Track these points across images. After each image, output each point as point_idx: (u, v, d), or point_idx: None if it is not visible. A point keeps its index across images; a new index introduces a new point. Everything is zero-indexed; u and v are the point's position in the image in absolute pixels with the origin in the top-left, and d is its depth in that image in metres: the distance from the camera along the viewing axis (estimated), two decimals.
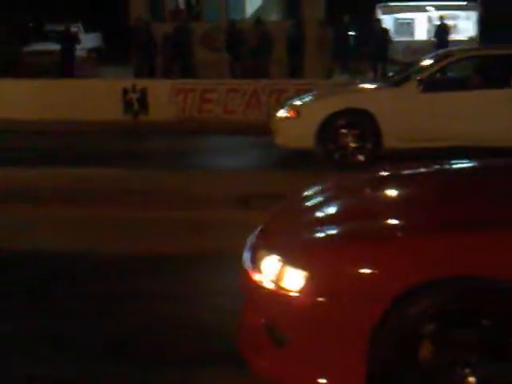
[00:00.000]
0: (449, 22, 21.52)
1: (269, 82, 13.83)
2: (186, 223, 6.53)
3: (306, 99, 9.79)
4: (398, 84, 9.18)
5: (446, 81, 9.40)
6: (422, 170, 4.54)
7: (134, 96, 13.70)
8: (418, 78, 8.97)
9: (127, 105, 13.78)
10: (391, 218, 3.38)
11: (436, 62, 9.35)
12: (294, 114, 9.28)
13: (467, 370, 2.95)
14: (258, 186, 7.96)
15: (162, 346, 4.09)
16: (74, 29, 21.03)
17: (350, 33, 19.51)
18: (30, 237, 6.22)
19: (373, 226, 3.29)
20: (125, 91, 13.73)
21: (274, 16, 21.43)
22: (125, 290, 4.95)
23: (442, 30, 20.28)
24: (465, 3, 23.31)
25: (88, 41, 23.95)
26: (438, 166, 4.56)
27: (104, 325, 4.41)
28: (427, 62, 9.62)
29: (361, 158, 9.00)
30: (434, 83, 8.99)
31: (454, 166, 4.54)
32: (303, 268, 3.08)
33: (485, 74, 9.44)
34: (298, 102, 9.60)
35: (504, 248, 2.95)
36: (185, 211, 7.08)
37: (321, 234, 3.34)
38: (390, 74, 10.48)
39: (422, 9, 23.26)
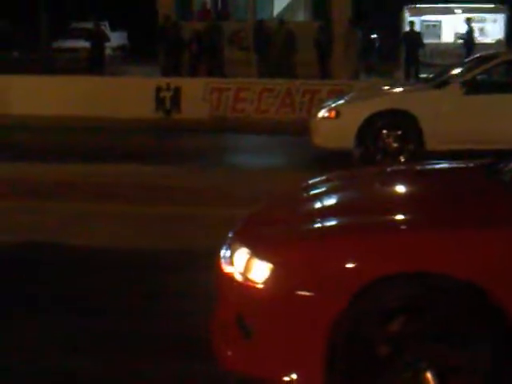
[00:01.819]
0: (476, 25, 21.40)
1: (302, 82, 13.84)
2: (214, 220, 6.53)
3: (346, 100, 9.78)
4: (440, 86, 9.15)
5: (489, 83, 9.35)
6: (419, 168, 4.77)
7: (167, 94, 13.74)
8: (462, 80, 8.94)
9: (159, 103, 13.82)
10: (360, 215, 3.45)
11: (479, 64, 9.32)
12: (335, 114, 9.27)
13: (424, 364, 3.02)
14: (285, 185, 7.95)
15: None
16: (101, 27, 21.08)
17: (374, 35, 19.38)
18: (68, 232, 6.29)
19: (339, 222, 3.40)
20: (158, 89, 13.77)
21: (301, 16, 21.47)
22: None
23: (468, 33, 20.20)
24: (492, 6, 23.16)
25: (114, 39, 24.01)
26: (434, 166, 4.77)
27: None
28: (470, 65, 9.59)
29: (402, 159, 8.96)
30: (477, 85, 8.95)
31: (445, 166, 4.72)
32: (268, 260, 3.15)
33: None
34: (338, 103, 9.59)
35: (462, 246, 3.02)
36: (211, 207, 7.12)
37: (288, 228, 3.47)
38: (431, 75, 10.39)
39: (449, 11, 23.14)
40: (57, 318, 4.47)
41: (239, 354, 3.26)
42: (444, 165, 4.87)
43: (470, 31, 20.19)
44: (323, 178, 4.47)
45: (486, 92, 9.01)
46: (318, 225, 3.41)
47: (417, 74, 17.78)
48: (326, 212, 3.70)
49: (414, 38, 18.41)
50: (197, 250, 5.65)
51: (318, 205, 3.87)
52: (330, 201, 4.00)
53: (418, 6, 23.09)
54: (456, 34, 21.82)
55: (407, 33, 19.00)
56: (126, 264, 5.51)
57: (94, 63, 18.13)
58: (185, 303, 4.64)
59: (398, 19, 22.88)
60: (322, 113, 9.46)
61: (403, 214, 3.48)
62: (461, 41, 20.83)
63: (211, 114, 13.65)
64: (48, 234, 6.20)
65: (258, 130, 12.73)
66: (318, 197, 3.99)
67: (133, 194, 7.78)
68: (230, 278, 3.32)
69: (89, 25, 20.34)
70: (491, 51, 11.63)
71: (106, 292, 4.91)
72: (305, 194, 4.18)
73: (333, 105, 9.55)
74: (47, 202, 7.34)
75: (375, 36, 19.32)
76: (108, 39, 19.22)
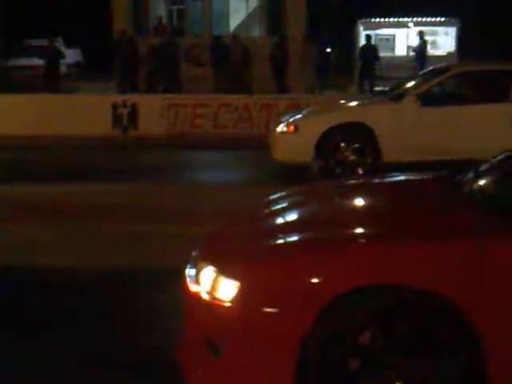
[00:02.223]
0: (428, 38, 21.77)
1: (260, 97, 13.87)
2: (175, 237, 6.49)
3: (304, 114, 9.83)
4: (396, 99, 9.27)
5: (444, 95, 9.50)
6: (378, 181, 4.86)
7: (124, 111, 13.64)
8: (417, 92, 9.07)
9: (116, 120, 13.71)
10: (323, 230, 3.48)
11: (433, 76, 9.47)
12: (293, 128, 9.32)
13: (394, 375, 3.04)
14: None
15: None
16: (55, 43, 20.87)
17: (328, 49, 19.54)
18: (27, 252, 6.18)
19: (303, 238, 3.41)
20: (114, 106, 13.67)
21: (256, 32, 21.59)
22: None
23: (420, 46, 20.49)
24: (443, 19, 23.62)
25: (68, 56, 23.78)
26: (393, 179, 4.82)
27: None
28: (424, 77, 9.74)
29: (360, 171, 9.04)
30: (431, 98, 9.09)
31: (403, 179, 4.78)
32: (235, 278, 3.15)
33: (482, 88, 9.58)
34: (296, 117, 9.64)
35: (426, 258, 3.06)
36: (171, 225, 7.06)
37: (253, 246, 3.48)
38: (386, 88, 10.53)
39: (402, 25, 23.53)
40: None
41: (209, 374, 3.23)
42: (403, 177, 4.91)
43: (423, 44, 20.50)
44: (284, 193, 4.48)
45: (440, 104, 9.15)
46: (283, 241, 3.42)
47: (372, 87, 17.97)
48: (289, 228, 3.70)
49: (371, 51, 18.60)
50: (158, 268, 5.60)
51: (280, 221, 3.89)
52: (292, 216, 4.01)
53: (372, 20, 23.43)
54: (410, 47, 22.16)
55: (363, 47, 19.21)
56: (82, 283, 5.43)
57: (50, 81, 17.91)
58: (146, 322, 4.59)
59: (353, 33, 23.17)
60: (281, 127, 9.50)
61: (366, 227, 3.50)
62: (413, 53, 21.13)
63: (169, 130, 13.59)
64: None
65: (216, 146, 12.73)
66: (280, 213, 4.00)
67: (91, 213, 7.69)
68: (196, 297, 3.29)
69: (43, 42, 20.10)
70: (444, 64, 11.81)
71: (64, 311, 4.83)
72: (266, 210, 4.18)
73: (291, 119, 9.59)
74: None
75: (330, 50, 19.43)
76: (63, 56, 18.99)
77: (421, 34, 20.70)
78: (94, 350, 4.24)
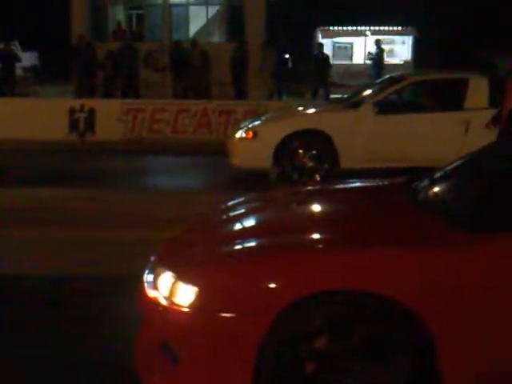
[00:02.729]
0: (385, 46, 22.08)
1: (218, 102, 13.87)
2: (132, 243, 6.45)
3: (263, 120, 9.88)
4: (353, 106, 9.38)
5: (400, 103, 9.64)
6: (335, 187, 4.90)
7: (81, 116, 13.52)
8: (374, 100, 9.20)
9: (73, 124, 13.57)
10: (280, 236, 3.50)
11: (390, 85, 9.61)
12: (252, 134, 9.36)
13: (349, 379, 3.09)
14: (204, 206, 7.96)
15: None
16: (11, 47, 20.59)
17: (287, 55, 19.64)
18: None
19: (260, 244, 3.44)
20: (71, 111, 13.53)
21: (216, 37, 21.62)
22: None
23: (377, 54, 20.73)
24: (400, 28, 23.96)
25: (25, 59, 23.50)
26: (349, 185, 4.91)
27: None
28: (381, 86, 9.87)
29: (318, 178, 9.12)
30: (388, 106, 9.22)
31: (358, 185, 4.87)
32: (193, 283, 3.17)
33: (437, 96, 9.75)
34: (255, 123, 9.68)
35: (380, 264, 3.11)
36: (128, 230, 7.02)
37: (211, 251, 3.50)
38: (344, 96, 10.64)
39: (360, 33, 23.80)
40: None
41: (166, 380, 3.22)
42: (360, 184, 4.97)
43: (380, 52, 20.75)
44: (241, 199, 4.51)
45: (396, 112, 9.29)
46: (240, 247, 3.44)
47: (327, 94, 18.08)
48: (247, 234, 3.73)
49: (323, 59, 18.75)
50: (115, 273, 5.57)
51: (238, 227, 3.91)
52: (250, 222, 4.03)
53: (329, 28, 23.66)
54: (368, 54, 22.40)
55: (316, 54, 19.35)
56: (45, 290, 5.36)
57: (5, 84, 17.66)
58: (106, 328, 4.56)
59: (311, 41, 23.36)
60: (240, 133, 9.53)
61: (323, 233, 3.54)
62: (370, 61, 21.35)
63: (126, 135, 13.51)
64: None
65: (174, 151, 12.69)
66: (238, 218, 4.02)
67: (48, 219, 7.59)
68: (154, 302, 3.28)
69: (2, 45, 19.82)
70: (400, 72, 11.99)
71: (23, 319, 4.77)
72: (224, 216, 4.20)
73: (250, 125, 9.63)
74: None
75: (287, 57, 19.52)
76: (19, 59, 18.76)
77: (378, 43, 20.97)
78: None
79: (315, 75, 18.61)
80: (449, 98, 9.59)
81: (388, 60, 22.35)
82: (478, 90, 9.21)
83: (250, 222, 4.03)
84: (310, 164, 9.20)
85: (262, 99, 16.56)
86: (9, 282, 5.51)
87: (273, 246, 3.36)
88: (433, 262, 3.10)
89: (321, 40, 22.77)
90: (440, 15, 26.88)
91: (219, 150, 10.60)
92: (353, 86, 17.83)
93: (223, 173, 10.23)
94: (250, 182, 9.42)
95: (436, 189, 3.99)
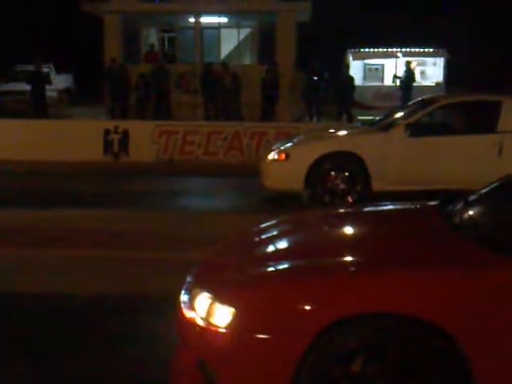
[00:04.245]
0: (417, 68, 22.00)
1: (250, 124, 13.98)
2: (167, 264, 6.51)
3: (295, 142, 9.93)
4: (385, 128, 9.39)
5: (432, 126, 9.62)
6: (368, 210, 4.85)
7: (115, 137, 13.71)
8: (406, 122, 9.20)
9: (107, 146, 13.77)
10: (315, 258, 3.52)
11: (422, 107, 9.60)
12: (284, 156, 9.41)
13: None
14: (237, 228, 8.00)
15: None
16: (45, 69, 20.95)
17: (315, 77, 19.68)
18: (13, 279, 6.16)
19: (296, 265, 3.46)
20: (106, 132, 13.73)
21: (247, 60, 21.81)
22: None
23: (406, 77, 20.52)
24: (432, 50, 23.92)
25: (59, 82, 23.89)
26: (382, 207, 4.88)
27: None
28: (413, 108, 9.87)
29: (350, 200, 9.13)
30: (420, 128, 9.21)
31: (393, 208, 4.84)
32: (230, 304, 3.20)
33: (470, 119, 9.72)
34: (287, 145, 9.74)
35: (417, 287, 3.11)
36: (162, 251, 7.11)
37: (247, 273, 3.51)
38: (377, 118, 10.65)
39: (391, 55, 23.80)
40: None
41: None
42: (393, 206, 4.98)
43: (409, 74, 20.53)
44: (274, 221, 4.54)
45: (428, 134, 9.26)
46: (276, 268, 3.46)
47: (349, 117, 18.02)
48: (281, 255, 3.76)
49: (348, 81, 18.72)
50: (151, 294, 5.63)
51: (272, 248, 3.94)
52: (284, 244, 4.07)
53: (360, 50, 23.70)
54: (394, 76, 22.24)
55: (341, 76, 19.29)
56: (80, 310, 5.43)
57: (36, 106, 17.93)
58: (144, 349, 4.60)
59: (342, 63, 23.40)
60: (272, 155, 9.58)
61: (358, 256, 3.56)
62: (397, 82, 21.11)
63: (159, 156, 13.67)
64: None
65: (206, 173, 12.80)
66: (272, 240, 4.05)
67: (83, 239, 7.70)
68: (191, 323, 3.32)
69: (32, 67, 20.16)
70: (431, 94, 11.97)
71: (54, 338, 4.83)
72: (257, 238, 4.23)
73: (282, 147, 9.68)
74: None
75: (316, 79, 19.54)
76: (49, 82, 18.98)
77: (407, 65, 20.82)
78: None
79: (339, 97, 18.56)
80: (482, 120, 9.55)
81: (420, 81, 22.27)
82: None
83: (284, 244, 4.07)
84: (342, 186, 9.20)
85: (291, 121, 16.63)
86: (36, 301, 5.58)
87: (309, 269, 3.38)
88: (468, 285, 3.11)
89: (352, 62, 22.77)
90: (471, 36, 26.82)
91: (250, 171, 10.67)
92: (382, 108, 17.84)
93: (255, 194, 10.29)
94: (282, 204, 9.47)
95: (472, 212, 3.99)
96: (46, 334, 4.93)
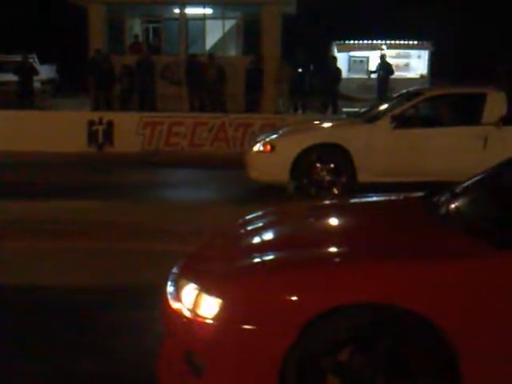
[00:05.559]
0: (402, 60, 22.04)
1: (236, 116, 13.95)
2: (151, 255, 6.51)
3: (280, 134, 9.92)
4: (371, 120, 9.40)
5: (417, 118, 9.64)
6: (353, 201, 4.91)
7: (100, 128, 13.63)
8: (391, 114, 9.22)
9: (92, 137, 13.69)
10: (301, 249, 3.53)
11: (407, 99, 9.62)
12: (270, 148, 9.39)
13: None
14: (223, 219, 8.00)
15: None
16: (29, 60, 20.79)
17: (299, 70, 19.61)
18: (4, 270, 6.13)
19: (283, 257, 3.46)
20: (90, 123, 13.66)
21: (232, 51, 21.72)
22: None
23: (381, 70, 20.21)
24: (417, 42, 23.99)
25: (43, 72, 23.72)
26: (368, 199, 4.92)
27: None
28: (398, 100, 9.90)
29: (335, 191, 9.14)
30: (405, 120, 9.24)
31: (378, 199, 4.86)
32: (217, 296, 3.19)
33: (455, 111, 9.76)
34: (273, 137, 9.72)
35: (404, 277, 3.12)
36: (147, 243, 7.09)
37: (234, 264, 3.50)
38: (362, 110, 10.66)
39: (375, 47, 23.82)
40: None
41: None
42: (377, 198, 4.98)
43: (385, 67, 20.00)
44: (260, 213, 4.53)
45: (413, 126, 9.30)
46: (262, 260, 3.46)
47: (335, 108, 17.98)
48: (268, 247, 3.75)
49: (334, 73, 18.65)
50: (131, 285, 5.61)
51: (258, 240, 3.94)
52: (270, 236, 4.07)
53: (345, 42, 23.73)
54: (369, 71, 21.97)
55: (328, 68, 19.20)
56: (68, 302, 5.40)
57: (23, 97, 17.84)
58: (128, 340, 4.59)
59: (327, 55, 23.41)
60: (257, 147, 9.57)
61: (343, 247, 3.57)
62: (372, 76, 20.80)
63: (144, 148, 13.61)
64: None
65: (191, 164, 12.77)
66: (257, 232, 4.05)
67: (67, 230, 7.66)
68: (178, 314, 3.31)
69: (17, 58, 20.02)
70: (416, 87, 12.00)
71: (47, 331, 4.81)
72: (243, 230, 4.22)
73: (267, 139, 9.67)
74: None
75: (301, 71, 19.45)
76: (37, 73, 18.91)
77: (382, 58, 20.18)
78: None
79: (326, 89, 18.48)
80: (467, 112, 9.58)
81: (404, 74, 22.32)
82: (496, 104, 9.20)
83: (270, 236, 4.06)
84: (328, 178, 9.22)
85: (279, 113, 16.61)
86: (23, 294, 5.56)
87: (296, 260, 3.38)
88: (455, 275, 3.11)
89: (337, 54, 22.77)
90: (456, 29, 26.88)
91: (236, 163, 10.65)
92: (367, 100, 17.83)
93: (240, 186, 10.28)
94: (267, 196, 9.47)
95: (457, 203, 4.00)
96: (24, 326, 4.90)
